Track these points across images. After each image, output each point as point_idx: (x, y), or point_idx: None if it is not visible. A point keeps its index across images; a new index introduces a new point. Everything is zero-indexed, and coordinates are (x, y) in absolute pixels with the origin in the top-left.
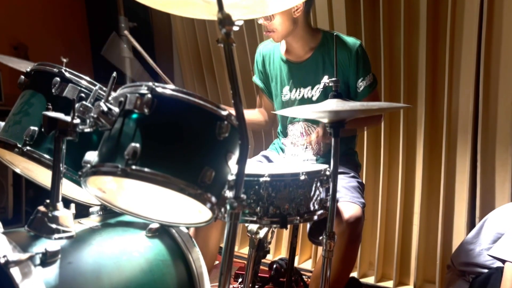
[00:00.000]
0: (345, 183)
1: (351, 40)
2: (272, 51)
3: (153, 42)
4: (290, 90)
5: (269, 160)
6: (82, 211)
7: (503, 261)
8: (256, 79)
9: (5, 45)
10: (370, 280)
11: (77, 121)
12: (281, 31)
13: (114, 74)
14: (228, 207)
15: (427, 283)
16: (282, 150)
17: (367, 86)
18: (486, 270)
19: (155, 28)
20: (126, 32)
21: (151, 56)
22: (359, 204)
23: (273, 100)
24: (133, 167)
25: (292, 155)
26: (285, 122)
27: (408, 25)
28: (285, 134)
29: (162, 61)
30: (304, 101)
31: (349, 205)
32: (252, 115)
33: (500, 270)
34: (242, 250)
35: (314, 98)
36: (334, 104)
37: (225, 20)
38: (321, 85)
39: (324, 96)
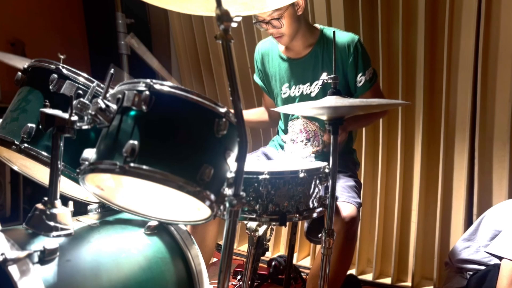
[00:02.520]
0: (342, 183)
1: (349, 35)
2: (270, 49)
3: (150, 39)
4: (290, 88)
5: (268, 157)
6: (80, 208)
7: (500, 258)
8: (256, 78)
9: (2, 42)
10: (368, 277)
11: (74, 118)
12: (289, 34)
13: (112, 70)
14: (227, 204)
15: (425, 280)
16: (282, 147)
17: (367, 80)
18: (483, 267)
19: (153, 24)
20: (128, 40)
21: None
22: (355, 204)
23: (274, 98)
24: (131, 164)
25: (292, 152)
26: (286, 119)
27: (406, 22)
28: (286, 131)
29: (159, 58)
30: (303, 97)
31: (345, 205)
32: (256, 114)
33: (497, 267)
34: (241, 247)
35: (313, 95)
36: (333, 101)
37: (223, 16)
38: (320, 82)
39: (323, 92)
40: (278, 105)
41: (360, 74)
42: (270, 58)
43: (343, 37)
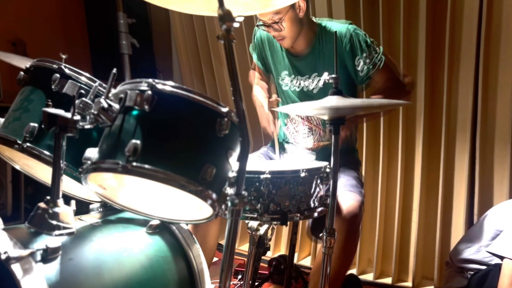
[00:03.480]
0: (344, 181)
1: (341, 26)
2: (273, 39)
3: (151, 39)
4: (291, 81)
5: (269, 157)
6: (82, 208)
7: (501, 258)
8: (255, 57)
9: (3, 41)
10: (369, 277)
11: (77, 117)
12: (291, 36)
13: (114, 70)
14: (229, 204)
15: (426, 279)
16: (283, 147)
17: (368, 64)
18: (484, 267)
19: (154, 24)
20: None
21: (150, 52)
22: (357, 202)
23: (269, 76)
24: (134, 163)
25: (294, 144)
26: (282, 114)
27: (408, 21)
28: (285, 123)
29: (160, 57)
30: (304, 93)
31: (347, 202)
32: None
33: (498, 267)
34: (242, 247)
35: (315, 91)
36: (334, 101)
37: (226, 16)
38: (321, 82)
39: (324, 89)
40: (279, 93)
41: (357, 58)
42: (273, 47)
43: (337, 28)
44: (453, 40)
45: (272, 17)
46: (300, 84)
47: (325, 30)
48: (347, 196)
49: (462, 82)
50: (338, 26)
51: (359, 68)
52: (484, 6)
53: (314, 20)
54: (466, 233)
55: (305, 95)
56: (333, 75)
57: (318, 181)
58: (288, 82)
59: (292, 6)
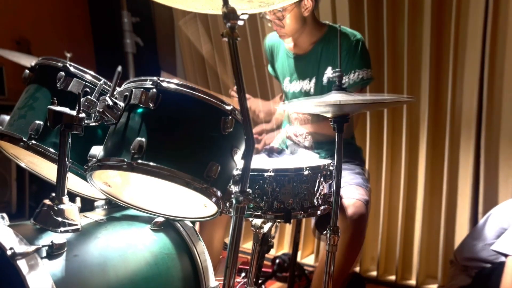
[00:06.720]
0: (349, 180)
1: (351, 32)
2: (277, 43)
3: (155, 37)
4: (290, 82)
5: (272, 155)
6: (87, 205)
7: (506, 256)
8: (270, 69)
9: (8, 40)
10: (373, 275)
11: (82, 115)
12: (290, 30)
13: (119, 68)
14: (234, 201)
15: (429, 278)
16: (285, 144)
17: (356, 80)
18: (489, 265)
19: (158, 23)
20: None
21: (153, 50)
22: (363, 201)
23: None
24: (139, 161)
25: (294, 144)
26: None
27: (412, 19)
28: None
29: (164, 55)
30: (302, 94)
31: (353, 202)
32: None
33: (503, 265)
34: (245, 245)
35: (312, 91)
36: (337, 98)
37: (230, 14)
38: (325, 78)
39: (320, 89)
40: (284, 96)
41: (352, 72)
42: (277, 51)
43: (346, 33)
44: (457, 37)
45: (276, 13)
46: (299, 84)
47: (335, 30)
48: (353, 196)
49: (467, 79)
50: (349, 31)
51: (347, 83)
52: (490, 4)
53: (326, 23)
54: (470, 232)
55: (304, 96)
56: (337, 70)
57: (322, 179)
58: (288, 84)
59: (298, 4)
